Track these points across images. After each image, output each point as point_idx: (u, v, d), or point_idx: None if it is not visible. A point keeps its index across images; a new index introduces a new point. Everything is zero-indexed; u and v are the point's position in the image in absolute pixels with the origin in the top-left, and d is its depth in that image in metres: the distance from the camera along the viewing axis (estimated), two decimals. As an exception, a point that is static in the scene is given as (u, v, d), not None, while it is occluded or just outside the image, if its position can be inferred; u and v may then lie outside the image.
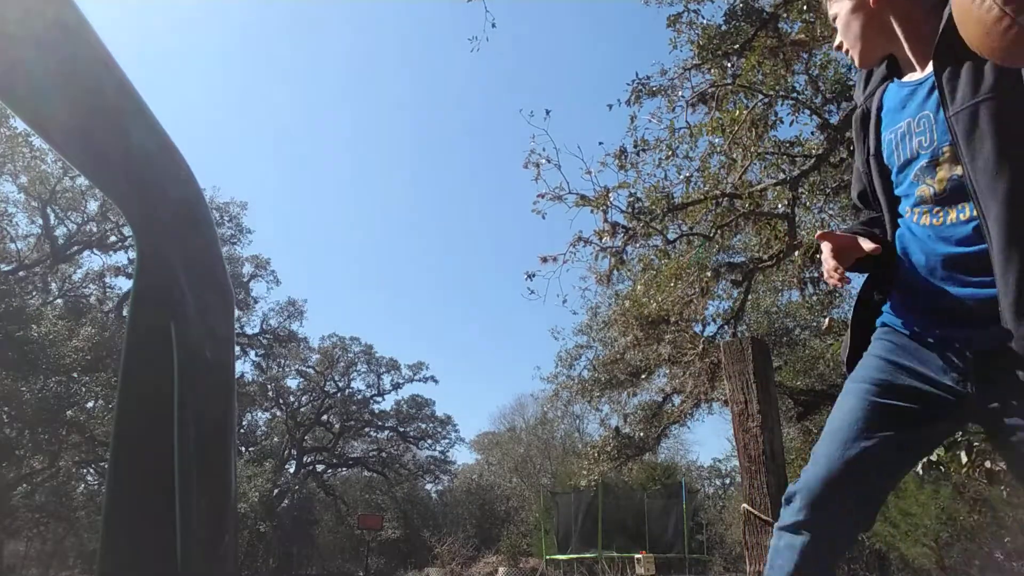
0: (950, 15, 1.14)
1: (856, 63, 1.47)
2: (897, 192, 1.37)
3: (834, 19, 1.46)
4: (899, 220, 1.37)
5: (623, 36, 43.96)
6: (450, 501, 29.98)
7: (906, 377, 1.32)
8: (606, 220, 7.39)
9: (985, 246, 1.19)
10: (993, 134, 1.17)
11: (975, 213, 1.20)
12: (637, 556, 14.03)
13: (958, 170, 1.22)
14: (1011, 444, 1.23)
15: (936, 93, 1.25)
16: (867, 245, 1.35)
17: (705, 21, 6.94)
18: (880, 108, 1.41)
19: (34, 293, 17.11)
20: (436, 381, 28.82)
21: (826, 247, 1.42)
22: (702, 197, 7.22)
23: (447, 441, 29.57)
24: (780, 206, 7.28)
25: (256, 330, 24.83)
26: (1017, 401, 1.19)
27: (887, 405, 1.32)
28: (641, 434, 12.47)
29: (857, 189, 1.54)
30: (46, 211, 17.09)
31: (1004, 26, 0.98)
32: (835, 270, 1.40)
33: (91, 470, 17.85)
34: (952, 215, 1.25)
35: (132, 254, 6.99)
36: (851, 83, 6.15)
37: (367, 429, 29.03)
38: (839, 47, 1.48)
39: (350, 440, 29.17)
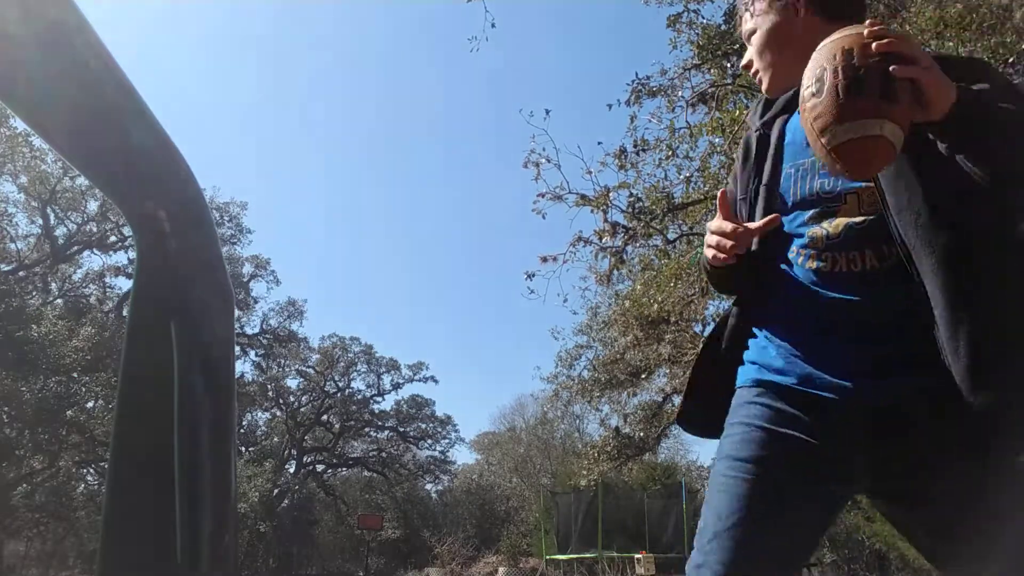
0: None
1: (764, 87, 1.35)
2: (786, 230, 1.24)
3: (749, 35, 1.34)
4: (778, 261, 1.24)
5: (623, 36, 43.99)
6: (450, 501, 29.99)
7: (789, 447, 1.14)
8: (606, 220, 7.39)
9: (861, 298, 1.12)
10: (921, 185, 1.08)
11: (872, 264, 1.13)
12: (637, 556, 14.03)
13: (858, 219, 1.15)
14: (908, 510, 1.15)
15: None
16: (762, 221, 1.21)
17: (705, 21, 6.95)
18: (782, 138, 1.29)
19: (34, 293, 17.11)
20: (436, 381, 28.88)
21: (724, 208, 1.24)
22: (702, 197, 7.22)
23: (447, 441, 29.62)
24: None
25: (256, 330, 24.87)
26: (914, 465, 1.08)
27: (776, 485, 1.13)
28: (641, 434, 12.47)
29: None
30: (46, 211, 17.10)
31: (823, 155, 0.99)
32: (730, 235, 1.21)
33: (91, 470, 17.86)
34: (843, 262, 1.15)
35: (132, 254, 7.00)
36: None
37: (367, 429, 29.04)
38: (747, 67, 1.36)
39: (350, 440, 29.18)
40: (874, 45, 0.94)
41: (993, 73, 1.16)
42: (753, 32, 1.33)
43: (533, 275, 7.92)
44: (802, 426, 1.14)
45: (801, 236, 1.21)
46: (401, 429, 29.11)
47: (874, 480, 1.14)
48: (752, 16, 1.33)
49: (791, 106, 1.28)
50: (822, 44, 1.00)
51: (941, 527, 1.11)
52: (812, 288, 1.18)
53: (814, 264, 1.18)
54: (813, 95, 0.97)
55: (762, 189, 1.28)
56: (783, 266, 1.23)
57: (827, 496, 1.17)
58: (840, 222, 1.17)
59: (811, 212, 1.21)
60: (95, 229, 18.28)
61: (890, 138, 0.94)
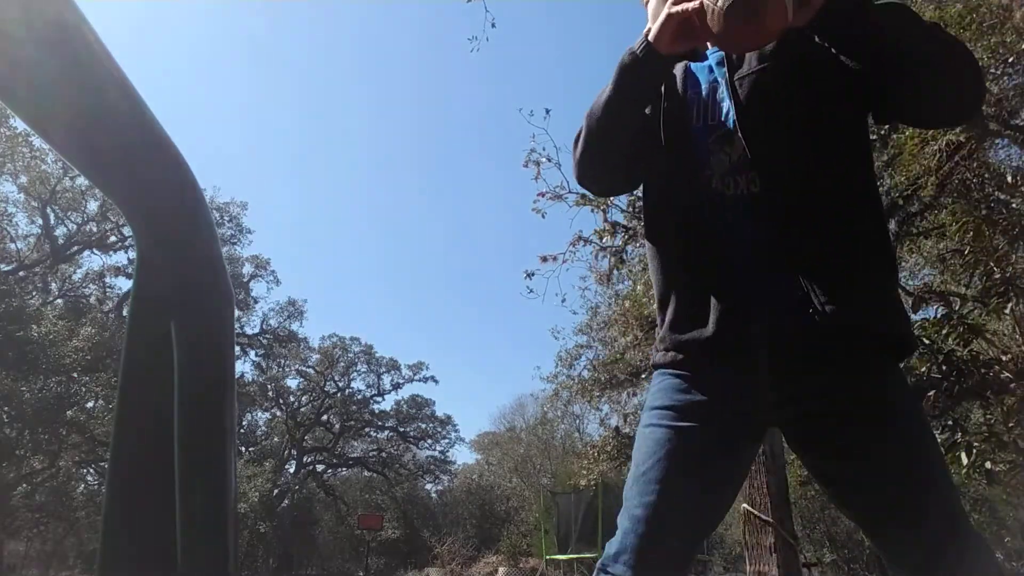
0: None
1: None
2: (695, 155, 1.23)
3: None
4: (687, 186, 1.23)
5: (623, 36, 43.97)
6: (450, 501, 29.99)
7: (699, 410, 1.16)
8: (606, 220, 7.39)
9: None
10: (771, 104, 1.16)
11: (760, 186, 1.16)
12: (637, 556, 14.01)
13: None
14: (822, 444, 1.14)
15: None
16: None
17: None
18: (685, 68, 1.30)
19: (34, 293, 17.11)
20: (436, 381, 28.87)
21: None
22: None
23: (447, 441, 29.62)
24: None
25: (256, 330, 24.85)
26: (826, 396, 1.10)
27: (689, 443, 1.15)
28: (641, 434, 12.47)
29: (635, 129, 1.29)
30: (46, 211, 17.10)
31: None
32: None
33: (91, 470, 17.84)
34: (743, 184, 1.18)
35: (132, 254, 6.99)
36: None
37: (367, 429, 29.04)
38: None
39: (350, 440, 29.18)
40: None
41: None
42: None
43: (533, 274, 7.92)
44: (707, 387, 1.19)
45: (706, 161, 1.22)
46: (401, 429, 29.10)
47: (775, 420, 1.18)
48: None
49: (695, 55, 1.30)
50: None
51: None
52: (721, 212, 1.19)
53: (720, 187, 1.20)
54: None
55: (668, 113, 1.27)
56: (692, 194, 1.23)
57: (738, 449, 1.20)
58: (738, 145, 1.19)
59: (715, 135, 1.22)
60: (95, 229, 18.28)
61: None
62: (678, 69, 1.30)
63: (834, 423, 1.10)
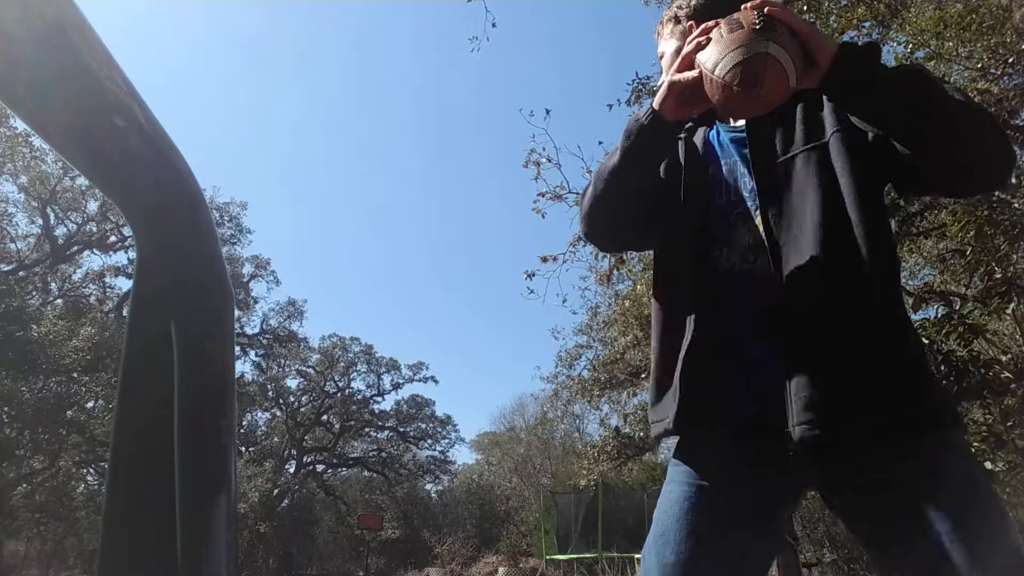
0: None
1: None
2: (712, 231, 1.23)
3: (660, 58, 1.39)
4: (701, 259, 1.23)
5: (623, 36, 43.96)
6: (450, 501, 29.99)
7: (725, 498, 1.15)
8: (606, 220, 7.39)
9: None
10: (790, 184, 1.16)
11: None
12: (637, 556, 14.03)
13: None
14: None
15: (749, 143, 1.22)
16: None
17: (705, 21, 6.94)
18: (706, 143, 1.31)
19: (34, 293, 17.11)
20: (436, 381, 28.87)
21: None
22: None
23: (447, 441, 29.61)
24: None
25: (256, 330, 24.85)
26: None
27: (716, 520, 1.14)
28: (641, 434, 12.45)
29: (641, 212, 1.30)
30: (46, 211, 17.10)
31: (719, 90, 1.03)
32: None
33: (91, 470, 17.83)
34: (758, 263, 1.17)
35: (132, 254, 6.99)
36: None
37: (367, 429, 29.03)
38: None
39: (350, 440, 29.18)
40: (750, 5, 1.03)
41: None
42: (662, 56, 1.38)
43: (533, 274, 7.92)
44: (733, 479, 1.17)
45: (728, 236, 1.21)
46: (401, 429, 29.10)
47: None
48: (663, 40, 1.38)
49: (711, 118, 1.31)
50: None
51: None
52: (743, 289, 1.18)
53: (740, 265, 1.19)
54: (704, 48, 1.06)
55: (689, 188, 1.27)
56: (708, 269, 1.22)
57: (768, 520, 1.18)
58: (759, 224, 1.18)
59: (736, 211, 1.22)
60: (95, 229, 18.28)
61: (776, 56, 0.98)
62: (699, 139, 1.32)
63: (865, 505, 1.07)
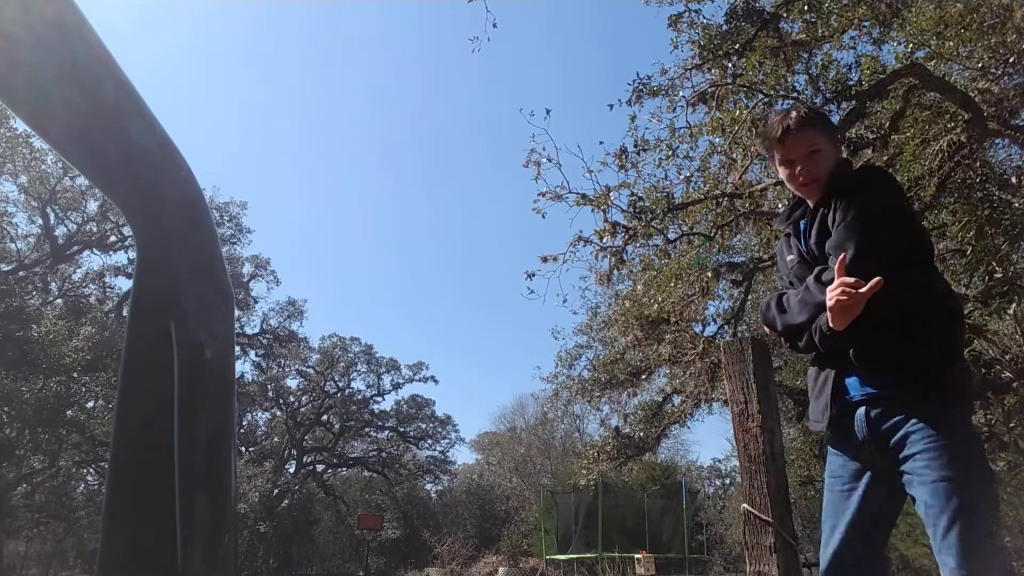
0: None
1: (807, 193, 1.83)
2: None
3: (813, 148, 1.80)
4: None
5: (624, 36, 43.96)
6: (450, 501, 29.98)
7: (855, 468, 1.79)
8: (606, 220, 7.38)
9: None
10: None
11: None
12: (637, 556, 14.03)
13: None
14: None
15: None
16: (872, 282, 1.57)
17: (706, 21, 6.94)
18: (797, 228, 1.89)
19: (34, 293, 17.11)
20: (436, 381, 28.87)
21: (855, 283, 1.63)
22: (702, 197, 7.21)
23: (447, 441, 29.60)
24: (780, 206, 7.27)
25: (256, 330, 24.85)
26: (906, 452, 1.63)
27: (858, 495, 1.76)
28: (641, 434, 12.46)
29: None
30: (46, 211, 17.10)
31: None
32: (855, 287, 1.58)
33: (91, 470, 17.85)
34: None
35: (132, 254, 6.98)
36: (851, 83, 6.16)
37: (367, 429, 29.03)
38: (794, 171, 1.81)
39: (350, 440, 29.17)
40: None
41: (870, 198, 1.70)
42: (816, 147, 1.80)
43: (533, 275, 7.90)
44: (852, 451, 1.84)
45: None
46: (401, 429, 29.09)
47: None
48: (816, 135, 1.80)
49: (805, 211, 1.86)
50: None
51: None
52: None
53: None
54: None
55: (799, 264, 1.83)
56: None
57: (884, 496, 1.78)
58: None
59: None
60: (95, 229, 18.28)
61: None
62: (803, 225, 1.90)
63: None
